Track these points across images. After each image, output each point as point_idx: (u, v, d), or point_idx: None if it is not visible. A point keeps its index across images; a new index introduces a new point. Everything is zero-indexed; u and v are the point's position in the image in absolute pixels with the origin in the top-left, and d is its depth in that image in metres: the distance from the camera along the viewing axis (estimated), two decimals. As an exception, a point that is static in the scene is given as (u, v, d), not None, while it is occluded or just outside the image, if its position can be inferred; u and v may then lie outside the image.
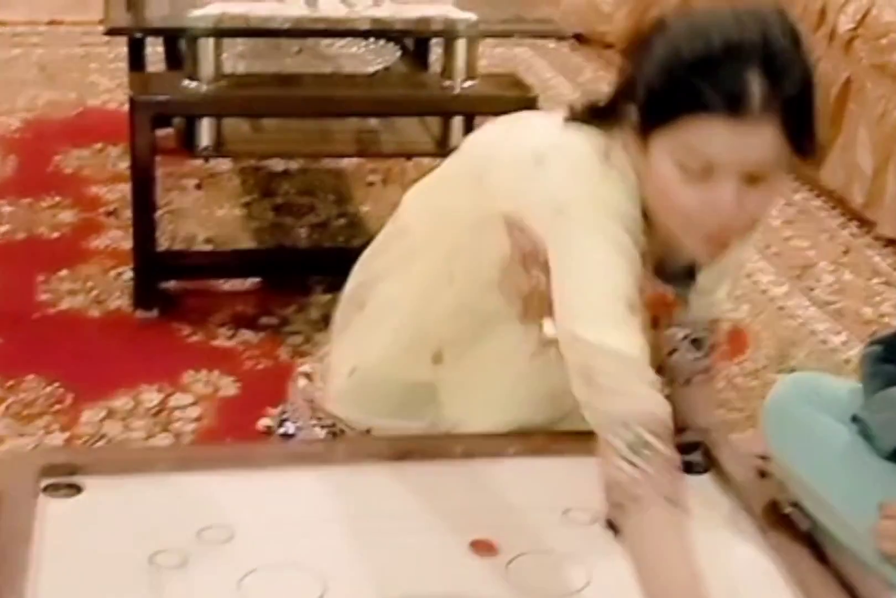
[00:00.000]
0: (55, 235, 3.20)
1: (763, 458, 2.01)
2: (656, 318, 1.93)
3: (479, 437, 2.03)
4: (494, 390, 1.97)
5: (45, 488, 1.85)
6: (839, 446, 1.84)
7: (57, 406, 2.45)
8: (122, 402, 2.47)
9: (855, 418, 1.84)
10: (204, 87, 2.77)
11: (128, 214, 2.98)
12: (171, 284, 2.93)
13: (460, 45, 2.87)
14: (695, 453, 2.04)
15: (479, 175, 1.87)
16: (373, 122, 3.16)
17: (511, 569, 1.75)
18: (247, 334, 2.75)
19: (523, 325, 1.94)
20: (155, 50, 3.75)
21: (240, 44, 3.32)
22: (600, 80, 4.63)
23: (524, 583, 1.72)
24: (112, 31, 2.83)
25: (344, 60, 3.32)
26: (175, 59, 3.45)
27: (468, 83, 2.88)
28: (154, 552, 1.73)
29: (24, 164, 3.64)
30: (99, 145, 3.75)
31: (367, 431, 2.08)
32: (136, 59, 3.56)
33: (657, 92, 1.62)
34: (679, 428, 2.12)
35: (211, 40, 2.76)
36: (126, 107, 2.82)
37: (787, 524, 1.87)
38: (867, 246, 3.36)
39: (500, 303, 1.93)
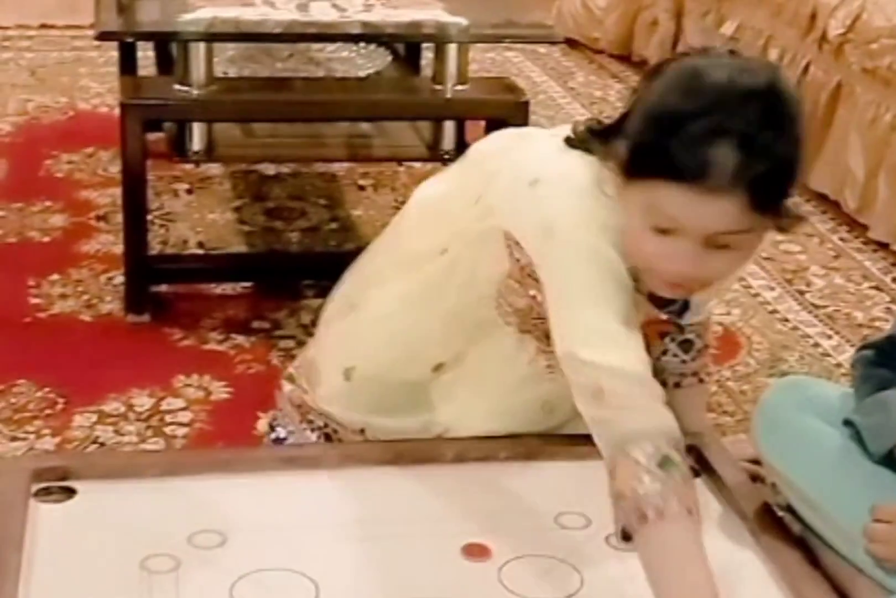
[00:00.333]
0: (46, 239, 3.20)
1: (755, 462, 2.01)
2: (648, 339, 1.94)
3: (471, 441, 2.03)
4: (489, 396, 1.97)
5: (37, 493, 1.85)
6: (831, 450, 1.84)
7: (48, 411, 2.45)
8: (113, 406, 2.47)
9: (847, 422, 1.84)
10: (195, 92, 2.77)
11: (119, 218, 2.97)
12: (163, 289, 2.92)
13: (451, 50, 2.86)
14: (686, 458, 2.05)
15: (481, 190, 1.87)
16: (364, 126, 3.16)
17: (504, 573, 1.75)
18: (238, 339, 2.75)
19: (520, 334, 1.95)
20: (146, 54, 3.75)
21: (231, 48, 3.31)
22: (591, 85, 4.63)
23: (517, 587, 1.72)
24: (103, 36, 2.82)
25: (335, 65, 3.32)
26: (166, 64, 3.45)
27: (459, 88, 2.88)
28: (146, 556, 1.72)
29: (14, 168, 3.63)
30: (90, 150, 3.75)
31: (361, 430, 2.07)
32: (127, 63, 3.56)
33: (638, 144, 1.63)
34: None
35: (202, 45, 2.76)
36: (117, 111, 2.81)
37: (779, 527, 1.87)
38: (858, 250, 3.37)
39: (496, 315, 1.94)
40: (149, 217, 2.93)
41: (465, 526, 1.85)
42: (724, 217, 1.59)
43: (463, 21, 2.83)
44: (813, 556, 1.82)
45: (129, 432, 2.39)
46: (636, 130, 1.65)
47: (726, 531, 1.88)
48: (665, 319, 1.95)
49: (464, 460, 1.99)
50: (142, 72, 3.68)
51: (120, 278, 2.93)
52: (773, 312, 3.00)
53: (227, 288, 2.98)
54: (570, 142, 1.79)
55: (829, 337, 2.89)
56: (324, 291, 2.93)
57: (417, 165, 3.65)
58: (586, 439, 2.09)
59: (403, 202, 3.45)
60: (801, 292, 3.11)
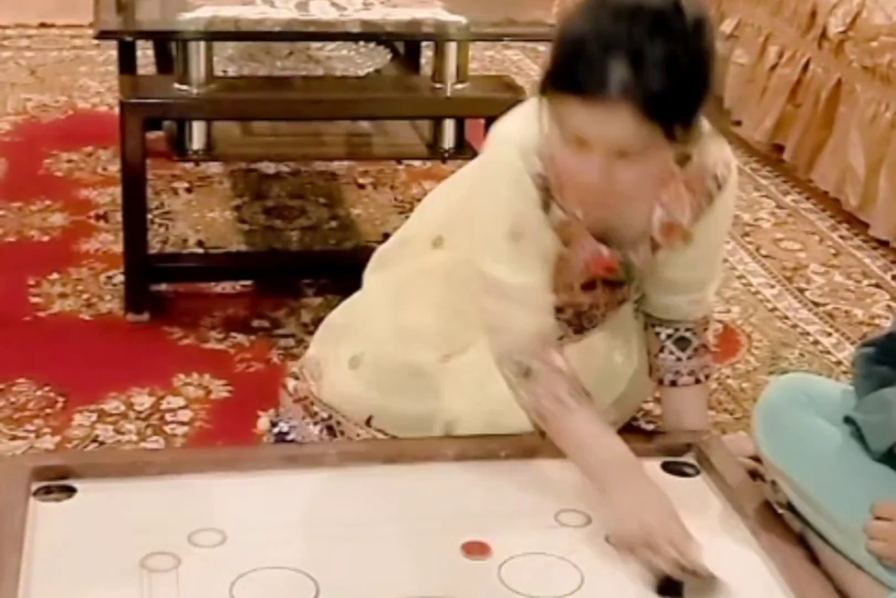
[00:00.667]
0: (46, 238, 3.19)
1: (755, 460, 2.01)
2: (594, 280, 1.98)
3: (471, 439, 2.03)
4: (494, 384, 1.98)
5: (37, 492, 1.85)
6: (831, 448, 1.84)
7: (48, 410, 2.44)
8: (113, 405, 2.47)
9: (847, 420, 1.84)
10: (195, 91, 2.77)
11: (118, 217, 2.97)
12: (162, 288, 2.92)
13: (451, 48, 2.86)
14: (687, 455, 2.05)
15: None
16: (364, 125, 3.16)
17: (504, 571, 1.75)
18: (238, 337, 2.75)
19: None
20: (145, 53, 3.75)
21: (230, 47, 3.31)
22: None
23: (517, 585, 1.72)
24: (102, 35, 2.81)
25: (334, 63, 3.31)
26: (165, 63, 3.44)
27: (459, 86, 2.88)
28: (146, 555, 1.73)
29: (14, 167, 3.63)
30: (89, 148, 3.74)
31: (368, 421, 2.08)
32: (127, 62, 3.55)
33: (547, 65, 1.76)
34: (669, 430, 2.14)
35: (201, 43, 2.76)
36: (116, 110, 2.81)
37: (780, 525, 1.87)
38: (858, 248, 3.36)
39: None
40: (148, 216, 2.93)
41: (466, 524, 1.85)
42: (620, 128, 1.68)
43: (462, 19, 2.82)
44: (813, 554, 1.82)
45: (129, 430, 2.39)
46: (548, 54, 1.77)
47: (727, 528, 1.88)
48: (607, 256, 1.97)
49: (464, 459, 1.99)
50: (141, 71, 3.68)
51: (120, 277, 2.93)
52: (773, 309, 3.00)
53: (226, 287, 2.98)
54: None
55: (829, 335, 2.88)
56: (323, 290, 2.95)
57: (417, 163, 3.65)
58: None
59: (403, 201, 3.49)
60: (801, 290, 3.11)
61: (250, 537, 1.79)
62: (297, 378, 2.23)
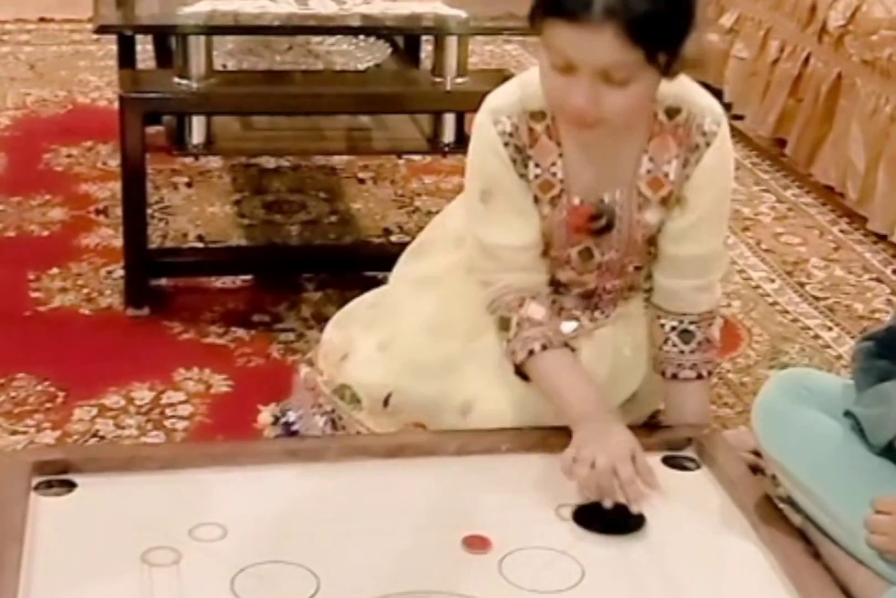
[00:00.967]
0: (45, 232, 3.19)
1: (756, 454, 2.01)
2: (577, 231, 2.02)
3: (472, 433, 2.03)
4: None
5: (37, 486, 1.85)
6: (831, 442, 1.84)
7: (48, 404, 2.44)
8: (113, 400, 2.47)
9: (847, 414, 1.84)
10: (194, 85, 2.76)
11: (118, 211, 2.97)
12: (163, 282, 2.92)
13: (451, 43, 2.86)
14: (687, 450, 2.05)
15: None
16: (364, 119, 3.15)
17: (504, 565, 1.75)
18: (238, 332, 2.75)
19: None
20: (145, 48, 3.75)
21: (230, 41, 3.31)
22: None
23: (517, 579, 1.72)
24: (101, 29, 2.81)
25: (334, 58, 3.31)
26: (165, 57, 3.44)
27: (459, 80, 2.88)
28: (146, 549, 1.73)
29: (13, 162, 3.63)
30: (89, 143, 3.75)
31: (385, 400, 2.08)
32: (126, 56, 3.55)
33: None
34: (670, 423, 2.14)
35: (201, 38, 2.75)
36: (116, 105, 2.81)
37: (780, 519, 1.87)
38: (858, 242, 3.37)
39: None
40: (148, 211, 2.93)
41: (466, 518, 1.85)
42: (604, 50, 1.74)
43: (462, 13, 2.82)
44: (813, 548, 1.82)
45: (129, 425, 2.39)
46: None
47: (727, 522, 1.88)
48: (579, 204, 2.00)
49: (465, 453, 1.99)
50: (141, 65, 3.68)
51: (120, 272, 2.93)
52: (774, 304, 3.00)
53: (226, 281, 2.98)
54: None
55: (830, 329, 2.88)
56: (324, 284, 2.95)
57: (417, 157, 3.65)
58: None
59: (403, 195, 3.49)
60: (802, 284, 3.11)
61: (251, 531, 1.79)
62: (311, 364, 2.24)
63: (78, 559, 1.71)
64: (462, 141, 2.98)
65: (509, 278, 2.02)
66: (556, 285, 2.08)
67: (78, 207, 3.34)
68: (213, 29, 2.81)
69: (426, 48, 3.55)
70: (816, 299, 3.04)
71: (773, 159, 3.88)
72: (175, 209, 3.34)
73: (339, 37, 3.32)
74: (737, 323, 2.89)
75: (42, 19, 4.96)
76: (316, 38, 3.34)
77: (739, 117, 4.07)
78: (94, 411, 2.43)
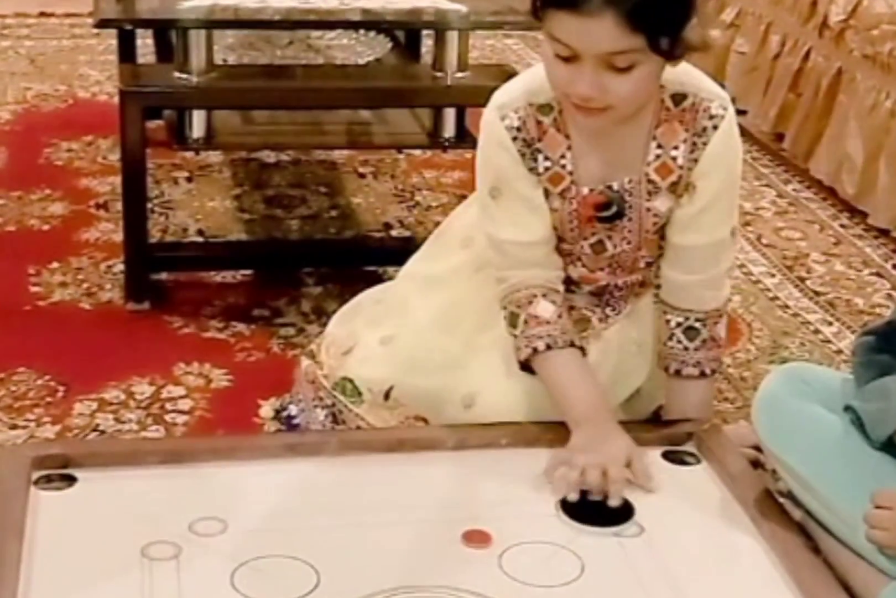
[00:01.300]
0: (46, 227, 3.19)
1: (756, 448, 2.01)
2: (588, 221, 2.03)
3: (471, 428, 2.03)
4: (513, 360, 2.04)
5: (37, 481, 1.85)
6: (831, 437, 1.84)
7: (48, 399, 2.44)
8: (113, 394, 2.47)
9: (847, 408, 1.84)
10: (194, 79, 2.76)
11: (118, 206, 2.97)
12: (163, 277, 2.92)
13: (451, 37, 2.85)
14: (688, 445, 2.05)
15: None
16: (364, 113, 3.15)
17: (504, 560, 1.75)
18: (238, 326, 2.75)
19: None
20: (145, 42, 3.74)
21: (230, 35, 3.31)
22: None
23: (517, 574, 1.72)
24: (102, 24, 2.81)
25: (335, 52, 3.31)
26: (165, 51, 3.44)
27: (460, 75, 2.87)
28: (146, 543, 1.73)
29: (14, 156, 3.63)
30: (89, 138, 3.74)
31: (387, 393, 2.09)
32: (126, 51, 3.55)
33: None
34: (671, 418, 2.14)
35: (201, 32, 2.75)
36: (116, 99, 2.80)
37: (780, 514, 1.87)
38: (858, 237, 3.36)
39: None
40: (148, 205, 2.93)
41: (466, 513, 1.85)
42: (605, 37, 1.76)
43: (463, 8, 2.82)
44: (813, 542, 1.82)
45: (129, 419, 2.39)
46: None
47: (727, 517, 1.88)
48: (587, 194, 2.00)
49: (464, 448, 1.99)
50: (141, 60, 3.68)
51: (120, 266, 2.93)
52: (774, 298, 3.00)
53: (227, 276, 2.98)
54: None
55: (830, 324, 2.88)
56: (324, 279, 2.95)
57: (417, 152, 3.65)
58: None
59: (404, 190, 3.49)
60: (802, 279, 3.11)
61: (251, 525, 1.79)
62: (312, 357, 2.24)
63: (78, 554, 1.71)
64: (462, 136, 2.98)
65: (522, 275, 2.02)
66: (568, 283, 2.08)
67: (78, 201, 3.34)
68: (214, 23, 2.80)
69: (427, 43, 3.55)
70: (817, 293, 3.03)
71: (774, 154, 3.88)
72: (175, 204, 3.34)
73: (339, 31, 3.32)
74: (737, 318, 2.88)
75: (42, 14, 4.95)
76: (316, 33, 3.34)
77: (741, 112, 4.05)
78: (95, 406, 2.43)
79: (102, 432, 2.35)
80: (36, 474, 1.86)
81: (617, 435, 1.92)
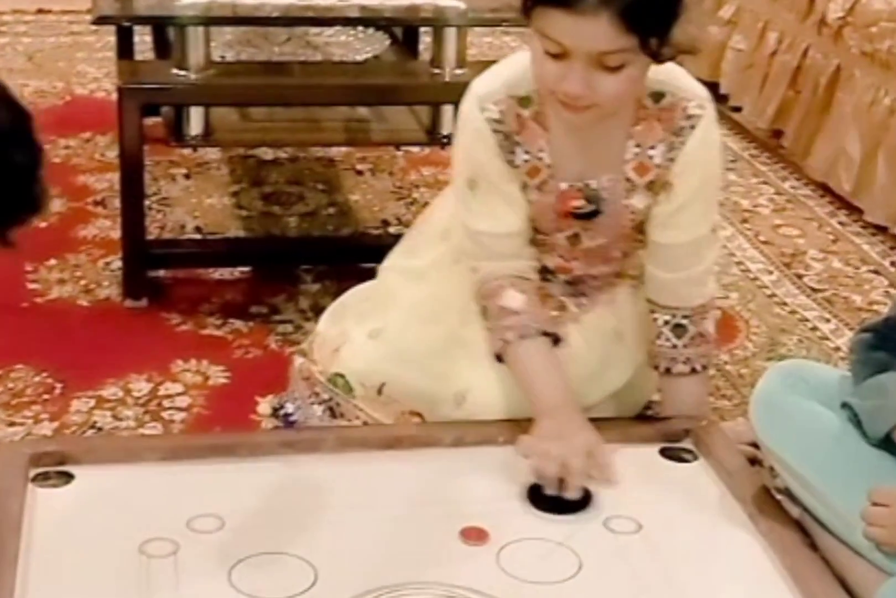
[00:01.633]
0: (43, 224, 3.18)
1: (753, 446, 2.01)
2: (567, 218, 2.03)
3: (468, 425, 2.03)
4: None
5: (35, 478, 1.85)
6: (829, 434, 1.84)
7: (46, 396, 2.44)
8: (111, 391, 2.47)
9: (845, 405, 1.84)
10: (192, 76, 2.76)
11: (116, 203, 2.97)
12: (161, 274, 2.92)
13: (450, 34, 2.85)
14: (685, 441, 2.05)
15: None
16: (362, 110, 3.15)
17: (502, 556, 1.75)
18: (236, 323, 2.75)
19: None
20: (143, 39, 3.74)
21: (228, 32, 3.30)
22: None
23: (515, 570, 1.72)
24: (100, 20, 2.80)
25: (333, 49, 3.31)
26: (163, 48, 3.43)
27: (458, 71, 2.87)
28: (144, 540, 1.73)
29: (11, 153, 3.62)
30: (87, 134, 3.74)
31: (379, 389, 2.09)
32: (125, 47, 3.55)
33: None
34: (667, 416, 2.14)
35: (199, 29, 2.75)
36: (114, 96, 2.80)
37: (778, 510, 1.87)
38: (856, 234, 3.36)
39: None
40: (146, 202, 2.93)
41: (463, 510, 1.85)
42: (598, 37, 1.76)
43: (461, 5, 2.82)
44: (811, 539, 1.82)
45: (126, 416, 2.39)
46: None
47: (725, 514, 1.88)
48: (566, 189, 2.00)
49: (462, 444, 1.99)
50: (139, 56, 3.67)
51: (118, 263, 2.93)
52: (772, 295, 3.00)
53: (224, 273, 2.97)
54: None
55: (828, 321, 2.88)
56: (322, 276, 2.95)
57: (415, 149, 3.65)
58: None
59: (402, 187, 3.48)
60: (800, 276, 3.11)
61: (248, 522, 1.79)
62: (304, 355, 2.24)
63: (75, 551, 1.71)
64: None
65: (493, 266, 2.03)
66: (543, 272, 2.09)
67: (76, 198, 3.33)
68: (212, 20, 2.80)
69: (425, 39, 3.55)
70: (814, 290, 3.04)
71: (772, 151, 3.88)
72: (173, 201, 3.33)
73: (337, 28, 3.31)
74: (735, 315, 2.89)
75: (40, 10, 4.95)
76: (314, 30, 3.34)
77: (737, 109, 4.07)
78: (92, 403, 2.43)
79: (100, 429, 2.35)
80: (33, 472, 1.86)
81: (581, 427, 1.92)
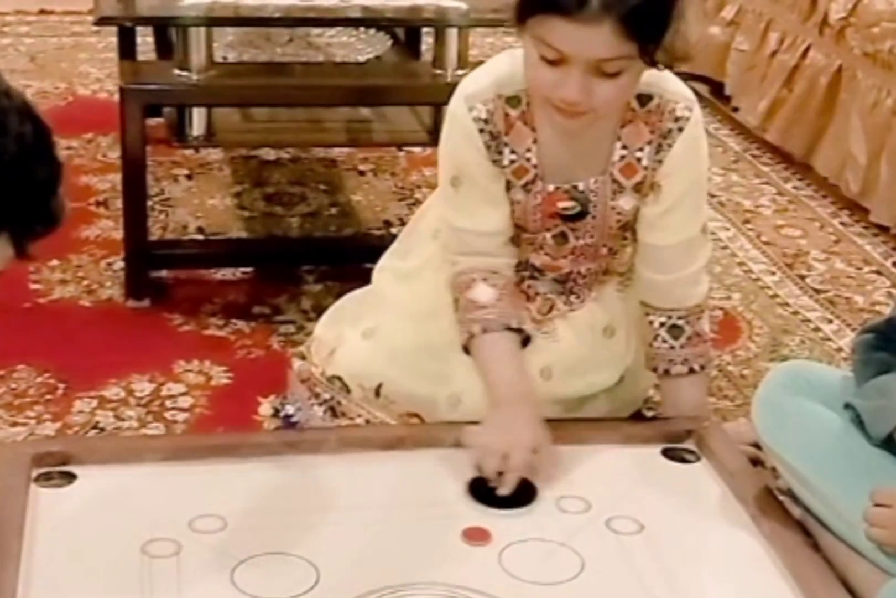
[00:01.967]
0: (45, 224, 3.19)
1: (755, 446, 2.01)
2: (553, 218, 2.04)
3: (470, 425, 2.03)
4: None
5: (37, 478, 1.85)
6: (831, 434, 1.84)
7: (48, 396, 2.44)
8: (113, 391, 2.47)
9: (847, 406, 1.84)
10: (195, 77, 2.76)
11: (118, 203, 2.97)
12: (163, 274, 2.92)
13: (451, 34, 2.85)
14: (687, 442, 2.05)
15: None
16: (364, 111, 3.15)
17: (504, 557, 1.75)
18: (239, 324, 2.75)
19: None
20: (145, 39, 3.74)
21: (230, 33, 3.30)
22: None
23: (517, 571, 1.72)
24: (102, 21, 2.80)
25: (335, 50, 3.31)
26: (165, 49, 3.43)
27: (460, 72, 2.86)
28: (146, 541, 1.73)
29: (14, 154, 3.62)
30: (89, 135, 3.74)
31: (377, 389, 2.09)
32: (127, 48, 3.54)
33: None
34: (668, 416, 2.14)
35: (202, 29, 2.75)
36: (116, 96, 2.80)
37: (780, 511, 1.87)
38: (858, 235, 3.36)
39: None
40: (148, 203, 2.93)
41: (466, 510, 1.85)
42: (600, 44, 1.76)
43: (463, 5, 2.82)
44: (813, 540, 1.82)
45: (129, 417, 2.39)
46: None
47: (727, 515, 1.88)
48: (553, 190, 2.00)
49: (463, 445, 1.99)
50: (141, 57, 3.67)
51: (120, 264, 2.93)
52: (774, 296, 3.00)
53: (227, 273, 2.97)
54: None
55: (830, 321, 2.88)
56: (324, 277, 2.95)
57: (417, 149, 3.65)
58: (585, 424, 2.10)
59: (403, 187, 3.48)
60: (802, 277, 3.11)
61: (251, 523, 1.79)
62: (303, 358, 2.24)
63: (78, 551, 1.71)
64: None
65: (471, 261, 2.05)
66: (531, 270, 2.09)
67: (78, 198, 3.33)
68: (214, 21, 2.80)
69: (427, 40, 3.54)
70: (817, 291, 3.03)
71: (774, 152, 3.88)
72: (175, 201, 3.33)
73: (339, 29, 3.31)
74: (737, 315, 2.88)
75: (42, 11, 4.95)
76: (316, 30, 3.34)
77: (739, 109, 4.06)
78: (95, 403, 2.43)
79: (102, 429, 2.35)
80: (36, 472, 1.86)
81: (530, 422, 1.92)
